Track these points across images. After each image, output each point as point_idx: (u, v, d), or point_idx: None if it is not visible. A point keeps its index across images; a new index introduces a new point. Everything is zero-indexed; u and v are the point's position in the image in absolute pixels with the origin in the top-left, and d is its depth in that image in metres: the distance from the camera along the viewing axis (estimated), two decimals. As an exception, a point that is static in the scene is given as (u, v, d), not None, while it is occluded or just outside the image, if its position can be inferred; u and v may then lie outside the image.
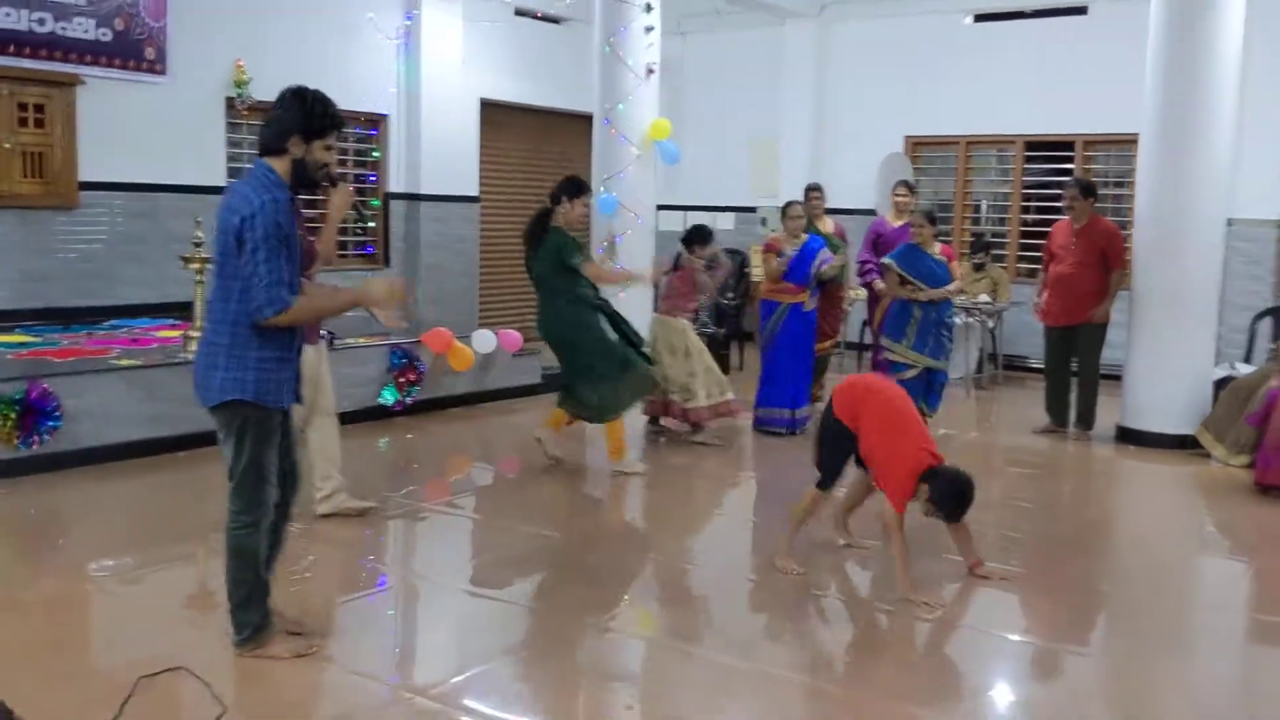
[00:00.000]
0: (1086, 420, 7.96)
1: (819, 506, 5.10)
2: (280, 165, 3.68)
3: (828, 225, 8.54)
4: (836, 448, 4.97)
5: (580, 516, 6.18)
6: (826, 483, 5.00)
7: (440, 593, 4.81)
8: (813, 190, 8.68)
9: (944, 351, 7.44)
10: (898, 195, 8.50)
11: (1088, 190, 7.87)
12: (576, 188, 6.45)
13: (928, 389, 7.46)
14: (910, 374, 7.27)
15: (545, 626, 4.39)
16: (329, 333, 5.28)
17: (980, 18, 11.22)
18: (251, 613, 3.85)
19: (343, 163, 10.57)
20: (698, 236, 7.75)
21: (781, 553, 5.02)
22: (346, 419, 7.52)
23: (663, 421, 7.71)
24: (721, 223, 12.69)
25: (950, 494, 4.60)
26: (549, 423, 6.81)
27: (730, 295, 10.75)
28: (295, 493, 4.05)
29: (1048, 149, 11.15)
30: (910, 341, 7.31)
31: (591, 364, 6.46)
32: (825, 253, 7.78)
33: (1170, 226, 7.47)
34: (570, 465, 7.01)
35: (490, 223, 11.79)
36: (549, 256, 6.38)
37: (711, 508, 6.50)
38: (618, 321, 6.65)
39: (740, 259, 11.12)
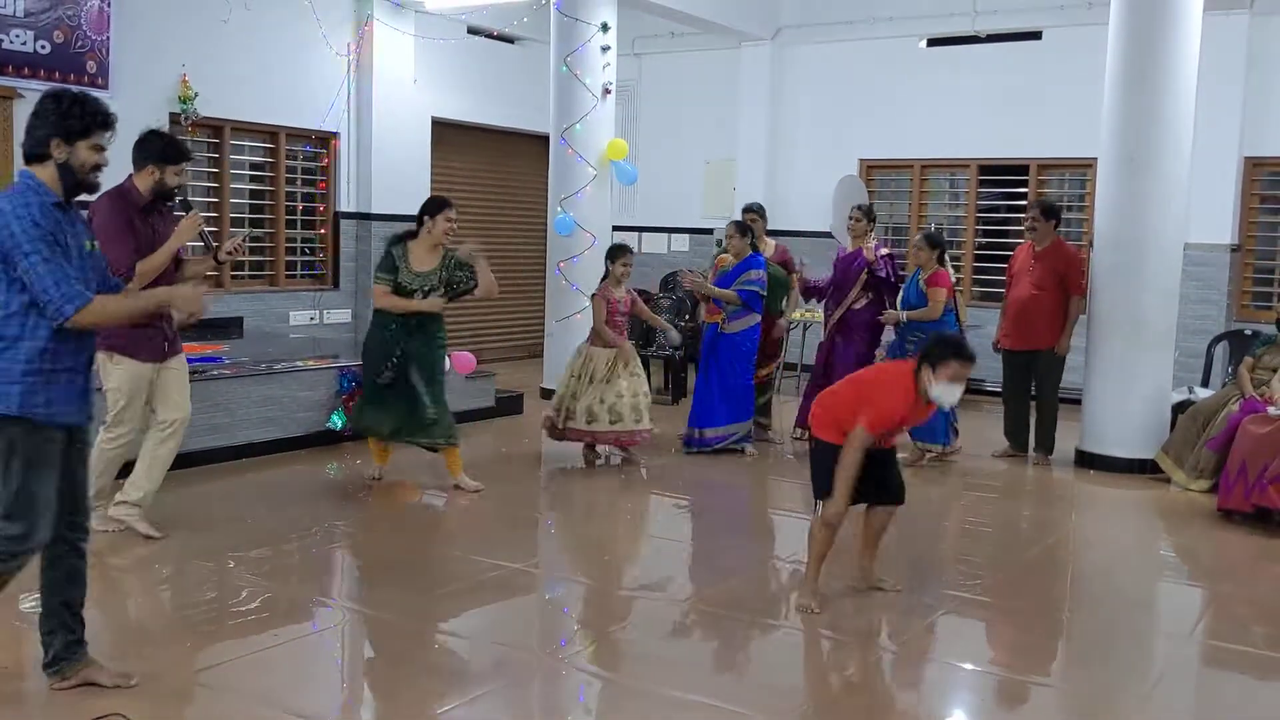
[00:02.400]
0: (1046, 445, 7.92)
1: (833, 533, 4.74)
2: (43, 172, 3.51)
3: (769, 249, 8.32)
4: (830, 467, 4.71)
5: (535, 546, 6.03)
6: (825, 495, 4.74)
7: (391, 627, 4.62)
8: (749, 212, 8.34)
9: None
10: (850, 219, 8.14)
11: (1050, 212, 7.85)
12: (437, 205, 6.46)
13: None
14: None
15: (500, 663, 4.23)
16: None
17: (934, 42, 11.26)
18: None
19: (291, 180, 10.37)
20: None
21: (804, 591, 4.77)
22: (294, 444, 7.39)
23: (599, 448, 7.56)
24: (676, 244, 12.63)
25: (946, 340, 4.65)
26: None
27: (687, 318, 10.66)
28: (86, 520, 3.77)
29: (1002, 173, 11.19)
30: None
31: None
32: (750, 275, 7.66)
33: (1129, 251, 7.47)
34: (519, 493, 6.87)
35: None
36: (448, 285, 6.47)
37: (651, 533, 6.36)
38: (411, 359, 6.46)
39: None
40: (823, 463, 4.72)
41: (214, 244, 5.64)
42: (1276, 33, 9.54)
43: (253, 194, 10.21)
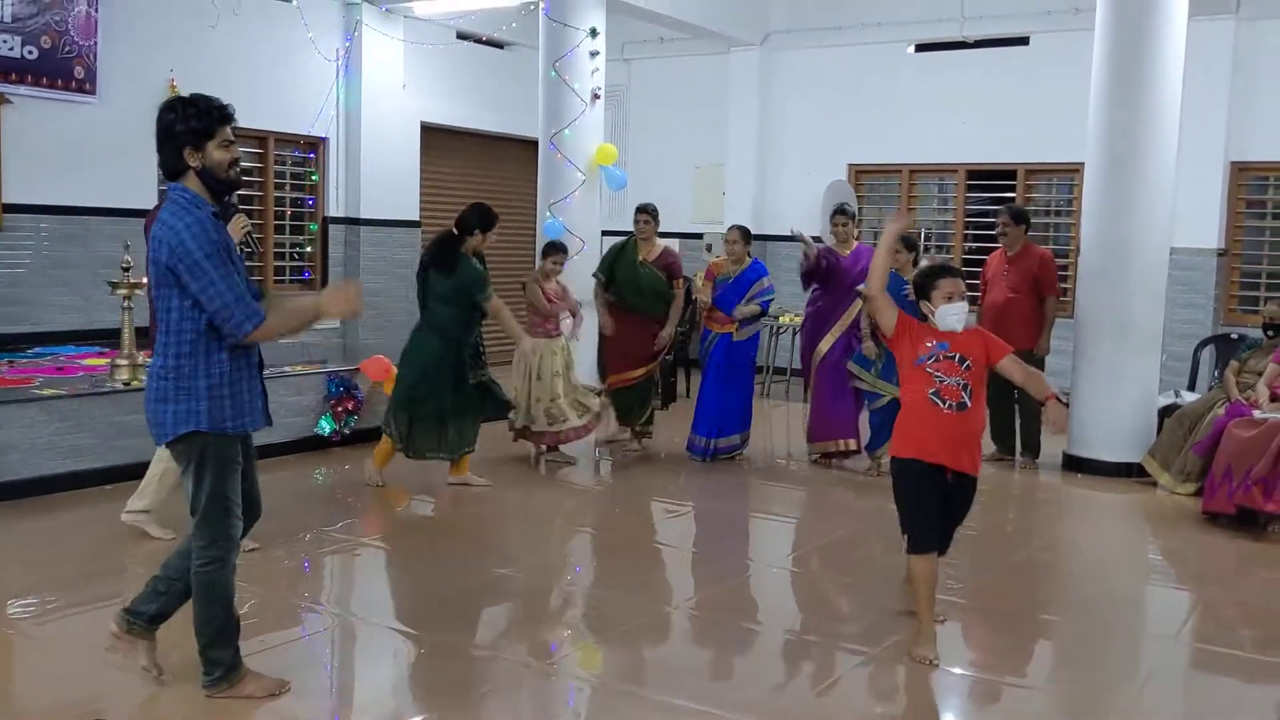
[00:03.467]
0: (1032, 449, 7.95)
1: (933, 573, 4.34)
2: (191, 184, 3.54)
3: (656, 251, 7.88)
4: (917, 492, 4.27)
5: (523, 551, 6.02)
6: (920, 543, 4.29)
7: (377, 633, 4.61)
8: (641, 212, 7.95)
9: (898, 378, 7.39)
10: (834, 223, 7.95)
11: (1019, 217, 7.90)
12: (490, 221, 6.59)
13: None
14: (880, 403, 7.26)
15: (488, 668, 4.22)
16: None
17: (922, 47, 11.31)
18: (222, 651, 3.67)
19: (280, 185, 10.36)
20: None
21: (922, 639, 4.32)
22: (282, 449, 7.37)
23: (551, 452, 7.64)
24: (666, 249, 12.60)
25: (925, 270, 4.52)
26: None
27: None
28: (254, 522, 3.90)
29: (990, 178, 11.23)
30: (878, 370, 7.28)
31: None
32: (763, 284, 7.69)
33: (1115, 255, 7.51)
34: (510, 498, 6.86)
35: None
36: (457, 286, 6.52)
37: (652, 539, 6.35)
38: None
39: (686, 286, 11.03)
40: (901, 488, 4.35)
41: (259, 249, 5.49)
42: (1261, 38, 9.60)
43: (241, 199, 10.18)
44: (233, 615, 3.70)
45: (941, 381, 4.21)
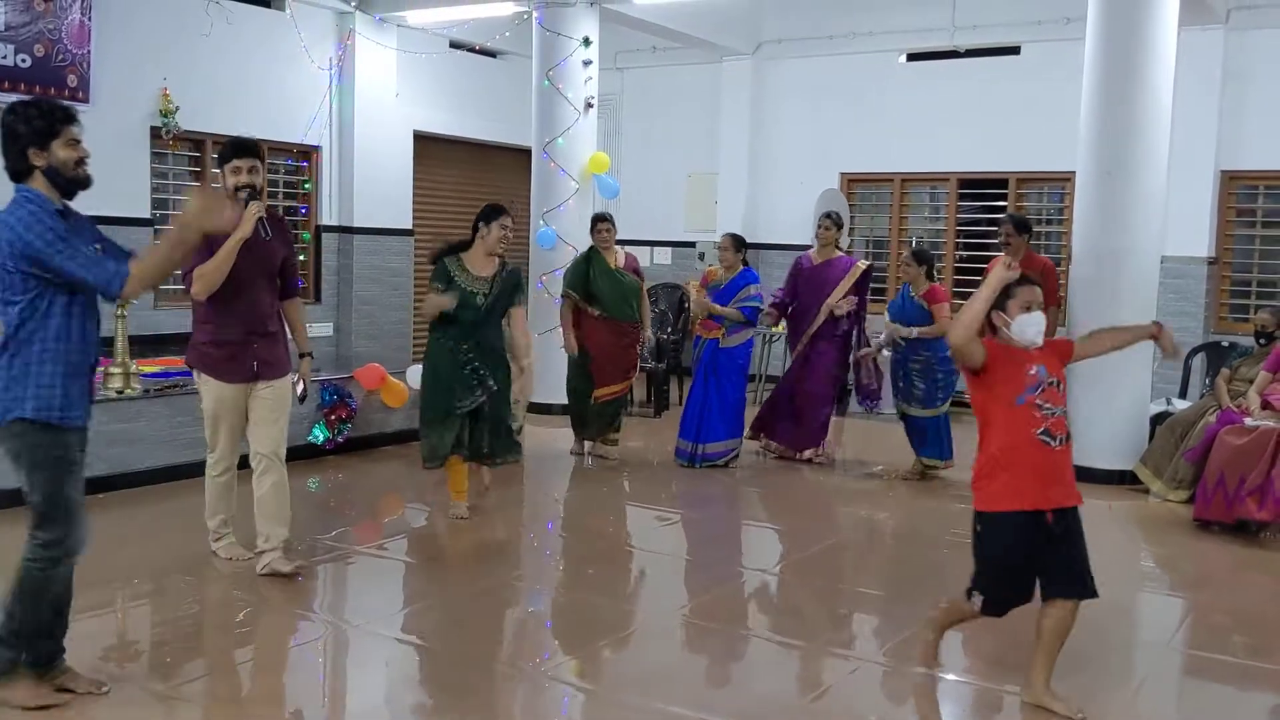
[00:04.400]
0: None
1: (969, 618, 4.05)
2: (35, 183, 3.58)
3: (618, 258, 7.85)
4: (1013, 549, 3.77)
5: (516, 559, 6.01)
6: (996, 607, 3.90)
7: (371, 640, 4.61)
8: (603, 221, 7.89)
9: (914, 397, 7.45)
10: (822, 226, 7.97)
11: (1022, 226, 7.90)
12: (491, 213, 6.32)
13: (916, 437, 7.58)
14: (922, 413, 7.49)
15: (481, 677, 4.22)
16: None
17: (914, 57, 11.34)
18: (10, 650, 3.62)
19: (273, 194, 10.36)
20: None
21: (922, 656, 4.20)
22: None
23: None
24: (659, 257, 12.65)
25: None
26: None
27: (670, 330, 10.68)
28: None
29: (981, 186, 11.26)
30: (919, 397, 7.48)
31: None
32: (749, 291, 7.72)
33: (1106, 264, 7.53)
34: (504, 505, 6.86)
35: (425, 256, 11.61)
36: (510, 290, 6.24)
37: (643, 546, 6.35)
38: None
39: (679, 294, 11.07)
40: (990, 545, 3.85)
41: (268, 233, 5.17)
42: (1251, 47, 9.65)
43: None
44: (44, 621, 3.64)
45: (1050, 415, 3.71)
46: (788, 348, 8.20)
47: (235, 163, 4.96)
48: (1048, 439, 3.68)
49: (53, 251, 3.46)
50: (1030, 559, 3.76)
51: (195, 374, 5.13)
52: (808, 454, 7.95)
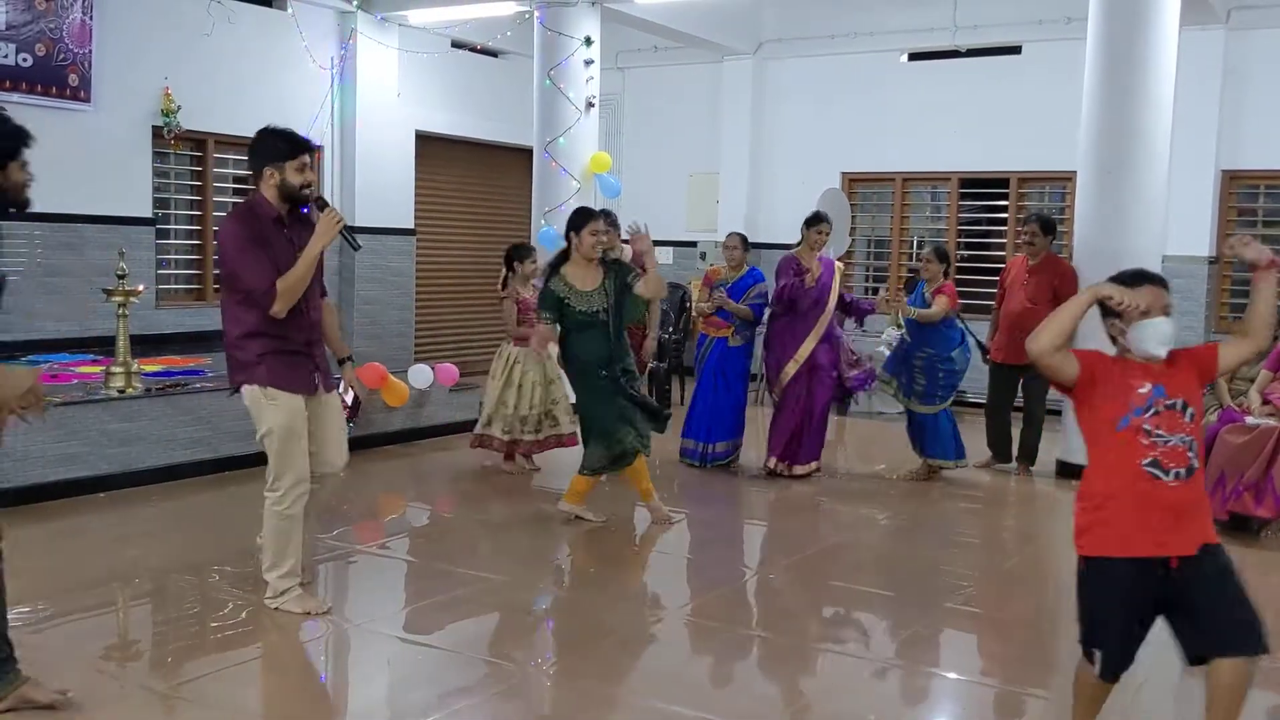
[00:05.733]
0: (1030, 456, 7.94)
1: (1101, 694, 3.42)
2: None
3: (624, 254, 7.56)
4: (1121, 599, 3.16)
5: (519, 558, 6.01)
6: (1112, 667, 3.28)
7: (373, 640, 4.61)
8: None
9: (914, 391, 7.44)
10: (819, 231, 7.62)
11: (1048, 227, 7.79)
12: (580, 219, 6.13)
13: (918, 435, 7.57)
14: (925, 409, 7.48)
15: (484, 675, 4.22)
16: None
17: (915, 56, 11.35)
18: None
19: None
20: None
21: None
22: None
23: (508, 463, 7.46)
24: (661, 257, 12.60)
25: (1123, 275, 3.32)
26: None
27: (671, 330, 10.67)
28: None
29: (982, 186, 11.26)
30: (916, 390, 7.49)
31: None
32: (760, 288, 7.70)
33: (1107, 263, 7.40)
34: (506, 506, 6.86)
35: (426, 256, 11.64)
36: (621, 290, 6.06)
37: (646, 546, 6.35)
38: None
39: (681, 293, 11.07)
40: (1095, 595, 3.25)
41: (358, 245, 4.99)
42: (1252, 47, 9.65)
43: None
44: None
45: (1163, 444, 3.09)
46: (769, 352, 7.68)
47: (304, 158, 4.43)
48: (1157, 472, 3.07)
49: None
50: (1143, 612, 3.18)
51: (255, 392, 4.46)
52: (813, 465, 7.62)
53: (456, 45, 11.59)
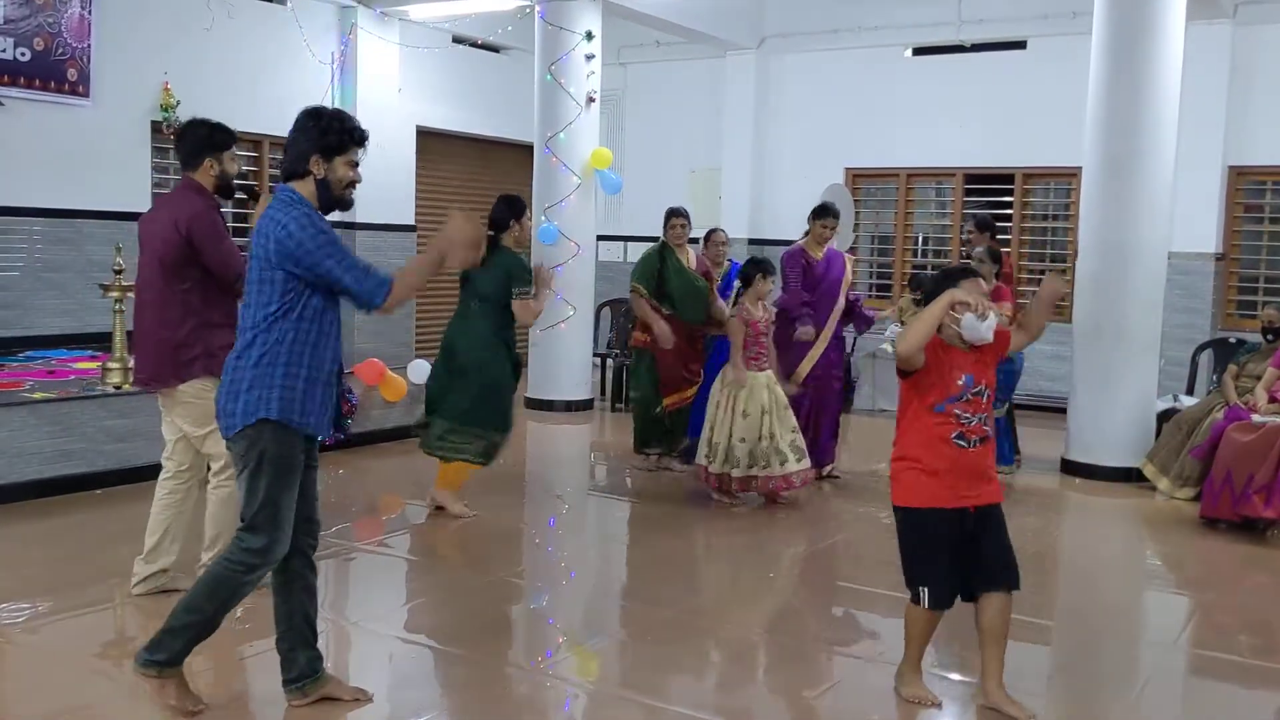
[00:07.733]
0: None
1: (930, 626, 3.89)
2: (303, 188, 3.56)
3: (691, 255, 7.55)
4: (937, 544, 3.76)
5: (518, 556, 5.98)
6: (939, 600, 3.80)
7: (372, 639, 4.57)
8: (677, 216, 7.58)
9: None
10: (825, 225, 7.41)
11: (984, 225, 7.93)
12: (520, 207, 6.17)
13: None
14: None
15: (483, 675, 4.18)
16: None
17: (919, 51, 11.29)
18: (180, 642, 3.55)
19: (273, 190, 10.31)
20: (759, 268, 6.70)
21: (905, 680, 3.97)
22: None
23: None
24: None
25: (948, 273, 3.85)
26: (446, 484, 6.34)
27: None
28: (318, 531, 3.78)
29: (987, 182, 11.21)
30: None
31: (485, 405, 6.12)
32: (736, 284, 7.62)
33: (1113, 259, 7.48)
34: (507, 502, 6.82)
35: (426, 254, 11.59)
36: (499, 277, 6.04)
37: (645, 545, 6.32)
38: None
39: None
40: (915, 541, 3.84)
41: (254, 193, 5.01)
42: (1259, 42, 9.59)
43: (238, 205, 10.14)
44: (217, 621, 3.61)
45: (967, 423, 3.72)
46: (784, 350, 7.26)
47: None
48: (961, 442, 3.72)
49: (326, 250, 3.42)
50: (954, 554, 3.76)
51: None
52: (828, 469, 7.50)
53: (457, 40, 11.55)
